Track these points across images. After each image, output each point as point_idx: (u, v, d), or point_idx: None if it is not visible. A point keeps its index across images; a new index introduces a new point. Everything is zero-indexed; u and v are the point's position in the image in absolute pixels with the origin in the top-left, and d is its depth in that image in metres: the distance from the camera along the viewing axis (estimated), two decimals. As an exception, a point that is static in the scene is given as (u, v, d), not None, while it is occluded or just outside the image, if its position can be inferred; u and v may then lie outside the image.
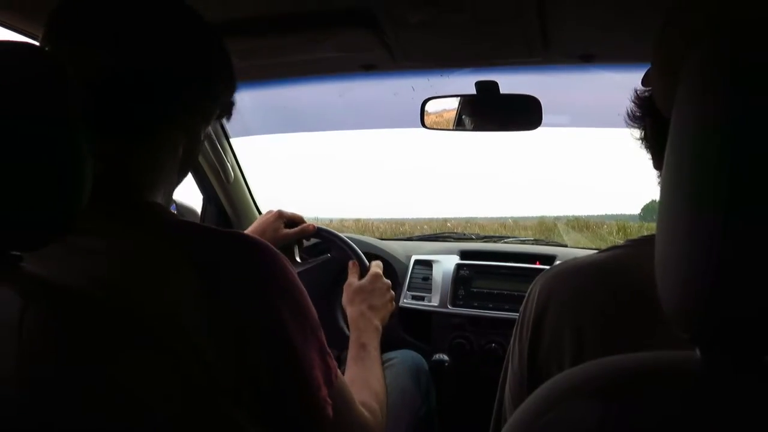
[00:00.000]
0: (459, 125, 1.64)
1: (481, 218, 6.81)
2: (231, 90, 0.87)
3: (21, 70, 0.59)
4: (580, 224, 6.90)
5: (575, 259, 0.85)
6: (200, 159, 1.80)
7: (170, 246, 0.67)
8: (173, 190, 0.85)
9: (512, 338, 0.89)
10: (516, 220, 7.14)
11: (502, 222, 7.04)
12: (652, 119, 0.78)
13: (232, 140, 1.91)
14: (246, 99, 1.84)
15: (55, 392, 0.57)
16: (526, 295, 0.87)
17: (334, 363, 0.78)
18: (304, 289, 0.76)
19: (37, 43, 0.68)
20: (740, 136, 0.36)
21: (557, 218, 7.23)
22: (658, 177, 0.77)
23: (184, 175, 0.87)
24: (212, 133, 1.77)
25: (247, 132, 1.96)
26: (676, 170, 0.42)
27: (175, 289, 0.64)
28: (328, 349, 0.77)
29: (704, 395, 0.40)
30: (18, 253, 0.63)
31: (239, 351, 0.65)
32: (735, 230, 0.36)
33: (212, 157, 1.81)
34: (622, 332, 0.73)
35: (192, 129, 0.82)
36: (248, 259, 0.71)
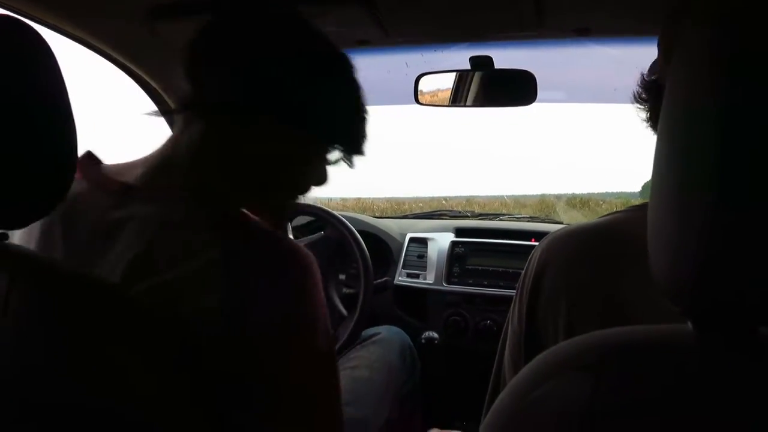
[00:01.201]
0: (454, 101, 1.63)
1: (481, 197, 6.81)
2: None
3: (9, 45, 0.58)
4: (581, 202, 6.90)
5: (577, 224, 0.85)
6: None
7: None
8: None
9: (512, 301, 0.89)
10: (516, 199, 7.14)
11: (501, 201, 7.05)
12: (656, 103, 0.78)
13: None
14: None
15: (40, 367, 0.57)
16: (528, 259, 0.87)
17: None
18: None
19: (19, 17, 0.66)
20: (731, 113, 0.36)
21: (558, 196, 7.23)
22: None
23: None
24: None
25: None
26: (668, 146, 0.41)
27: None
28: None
29: (696, 369, 0.40)
30: (3, 231, 0.63)
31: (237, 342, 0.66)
32: (727, 204, 0.36)
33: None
34: (618, 295, 0.72)
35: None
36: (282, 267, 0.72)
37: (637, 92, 0.83)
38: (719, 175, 0.36)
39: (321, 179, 0.89)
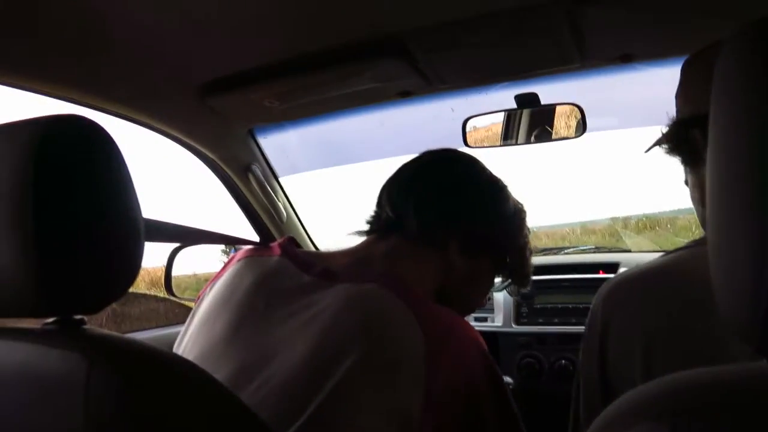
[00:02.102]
0: (505, 140, 1.62)
1: (546, 226, 6.63)
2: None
3: (85, 144, 0.62)
4: (651, 223, 6.65)
5: (638, 266, 0.83)
6: (252, 201, 1.84)
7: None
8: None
9: (581, 351, 0.86)
10: (583, 225, 6.95)
11: (569, 228, 6.88)
12: (701, 131, 0.77)
13: (281, 179, 1.95)
14: (291, 137, 1.88)
15: None
16: (591, 306, 0.85)
17: None
18: None
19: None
20: None
21: (626, 219, 7.00)
22: None
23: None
24: (261, 175, 1.80)
25: (295, 170, 1.99)
26: (719, 176, 0.40)
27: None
28: None
29: None
30: (81, 317, 0.65)
31: None
32: None
33: (263, 198, 1.85)
34: (691, 337, 0.70)
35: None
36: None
37: (666, 148, 0.85)
38: None
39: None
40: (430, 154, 1.03)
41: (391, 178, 1.01)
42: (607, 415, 0.46)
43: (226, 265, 0.96)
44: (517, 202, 1.05)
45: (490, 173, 1.02)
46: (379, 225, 0.97)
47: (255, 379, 0.75)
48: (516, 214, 1.03)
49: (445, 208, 0.95)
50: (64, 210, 0.59)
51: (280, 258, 0.91)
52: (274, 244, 0.96)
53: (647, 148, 0.91)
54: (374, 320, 0.76)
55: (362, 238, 0.97)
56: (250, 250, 0.98)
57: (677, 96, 0.86)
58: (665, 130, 0.86)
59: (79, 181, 0.60)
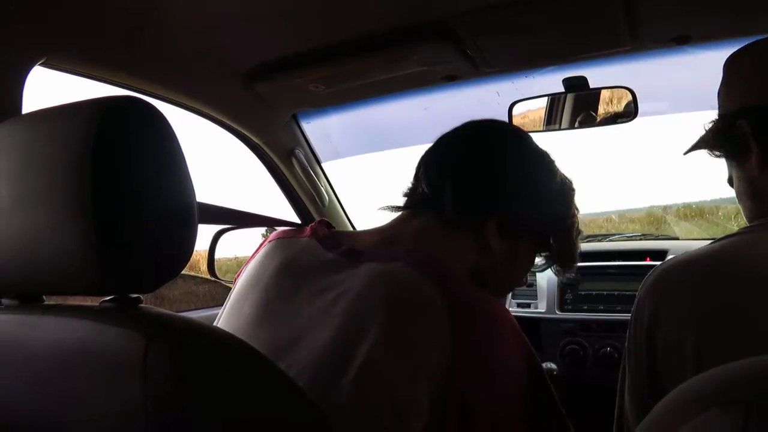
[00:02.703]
0: (548, 125, 1.59)
1: (585, 215, 6.52)
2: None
3: (142, 126, 0.63)
4: (693, 212, 6.47)
5: (686, 252, 0.82)
6: (295, 185, 1.86)
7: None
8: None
9: (627, 341, 0.85)
10: (622, 214, 6.80)
11: (607, 217, 6.75)
12: (748, 121, 0.78)
13: (324, 164, 1.96)
14: (334, 122, 1.88)
15: (179, 425, 0.59)
16: (637, 294, 0.83)
17: None
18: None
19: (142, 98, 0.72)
20: None
21: (666, 207, 6.83)
22: None
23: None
24: (304, 159, 1.81)
25: (337, 155, 2.00)
26: None
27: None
28: None
29: None
30: (137, 296, 0.67)
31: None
32: None
33: (306, 182, 1.86)
34: (746, 323, 0.68)
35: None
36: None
37: (711, 145, 0.86)
38: None
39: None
40: (473, 126, 0.96)
41: (430, 149, 0.95)
42: (668, 403, 0.44)
43: (259, 246, 0.96)
44: (565, 177, 0.98)
45: (536, 146, 0.95)
46: (414, 200, 0.92)
47: (283, 362, 0.74)
48: (563, 190, 0.96)
49: (485, 187, 0.88)
50: (123, 190, 0.60)
51: (308, 239, 0.89)
52: (308, 227, 0.94)
53: (687, 149, 0.90)
54: (396, 297, 0.74)
55: (396, 214, 0.93)
56: (282, 231, 0.96)
57: (719, 94, 0.87)
58: (704, 132, 0.87)
59: (137, 161, 0.61)
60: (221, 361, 0.61)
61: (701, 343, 0.71)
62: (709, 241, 0.82)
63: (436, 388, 0.68)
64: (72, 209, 0.59)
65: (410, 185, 0.95)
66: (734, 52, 0.85)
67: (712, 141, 0.85)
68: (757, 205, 0.82)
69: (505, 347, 0.75)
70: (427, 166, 0.93)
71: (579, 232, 1.00)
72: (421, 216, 0.89)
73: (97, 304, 0.67)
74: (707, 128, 0.86)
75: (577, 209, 1.00)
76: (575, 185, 0.99)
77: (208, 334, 0.63)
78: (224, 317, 0.90)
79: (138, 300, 0.67)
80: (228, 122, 1.56)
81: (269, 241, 0.94)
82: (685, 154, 0.91)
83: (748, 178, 0.83)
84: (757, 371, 0.40)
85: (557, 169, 0.96)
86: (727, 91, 0.85)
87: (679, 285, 0.78)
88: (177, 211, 0.65)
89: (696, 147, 0.88)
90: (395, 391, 0.68)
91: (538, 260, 1.03)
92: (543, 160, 0.95)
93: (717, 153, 0.87)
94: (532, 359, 0.78)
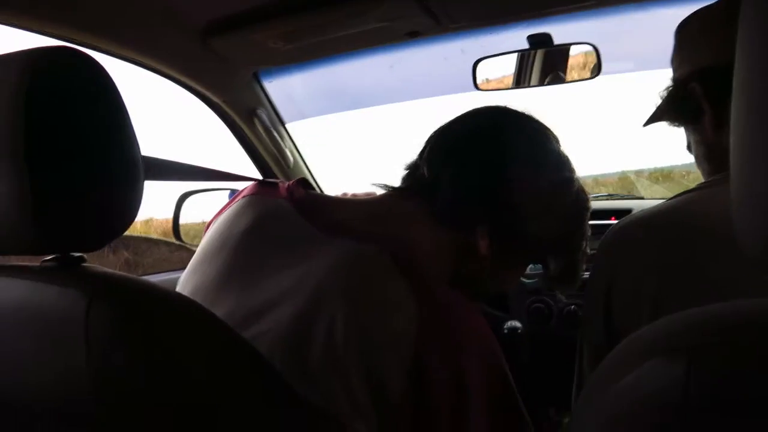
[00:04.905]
0: (518, 83, 1.58)
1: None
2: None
3: (78, 77, 0.60)
4: (663, 175, 6.58)
5: (643, 210, 0.83)
6: (259, 147, 1.82)
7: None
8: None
9: (586, 299, 0.85)
10: (595, 178, 6.86)
11: (582, 181, 6.80)
12: (700, 83, 0.79)
13: (288, 125, 1.92)
14: (297, 82, 1.84)
15: (124, 385, 0.58)
16: (595, 253, 0.84)
17: None
18: None
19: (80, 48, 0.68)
20: None
21: (639, 172, 6.91)
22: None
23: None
24: (267, 120, 1.78)
25: (302, 115, 1.96)
26: (748, 111, 0.37)
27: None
28: None
29: None
30: (80, 255, 0.65)
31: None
32: None
33: (269, 143, 1.83)
34: (701, 276, 0.69)
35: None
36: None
37: (668, 113, 0.87)
38: None
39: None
40: (492, 114, 0.88)
41: (441, 129, 0.87)
42: (617, 353, 0.45)
43: (230, 201, 0.90)
44: (582, 191, 0.87)
45: (560, 154, 0.86)
46: (411, 180, 0.86)
47: (247, 331, 0.71)
48: (576, 208, 0.86)
49: (487, 190, 0.80)
50: (59, 145, 0.58)
51: (284, 201, 0.83)
52: (283, 185, 0.88)
53: (646, 121, 0.90)
54: (366, 288, 0.69)
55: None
56: (254, 186, 0.89)
57: (672, 61, 0.87)
58: (660, 101, 0.88)
59: (72, 114, 0.59)
60: (164, 317, 0.60)
61: (658, 295, 0.72)
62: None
63: (387, 389, 0.65)
64: (6, 166, 0.56)
65: (412, 162, 0.88)
66: (682, 21, 0.86)
67: (668, 108, 0.86)
68: (714, 166, 0.83)
69: (473, 353, 0.70)
70: (432, 148, 0.86)
71: (585, 254, 0.90)
72: (415, 199, 0.83)
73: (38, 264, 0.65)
74: (662, 96, 0.86)
75: (588, 230, 0.90)
76: (590, 203, 0.89)
77: (154, 293, 0.61)
78: (187, 276, 0.86)
79: (81, 259, 0.64)
80: (184, 80, 1.51)
81: (241, 197, 0.88)
82: (645, 125, 0.91)
83: (704, 141, 0.84)
84: (699, 320, 0.40)
85: (576, 182, 0.87)
86: (678, 57, 0.86)
87: (635, 241, 0.79)
88: (120, 167, 0.62)
89: (654, 118, 0.89)
90: (348, 379, 0.65)
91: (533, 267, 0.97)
92: (563, 168, 0.86)
93: (675, 123, 0.88)
94: (500, 368, 0.73)
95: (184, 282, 0.86)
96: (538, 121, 0.88)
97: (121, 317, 0.57)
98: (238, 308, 0.75)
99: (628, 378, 0.40)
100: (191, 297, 0.80)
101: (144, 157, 0.67)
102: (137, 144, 0.64)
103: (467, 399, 0.67)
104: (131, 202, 0.64)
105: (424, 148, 0.87)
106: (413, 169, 0.87)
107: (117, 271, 0.65)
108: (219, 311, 0.75)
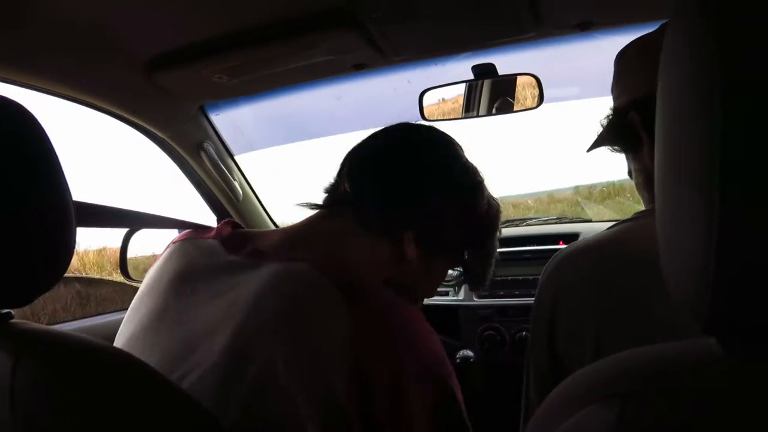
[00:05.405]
0: (467, 112, 1.60)
1: (513, 196, 6.62)
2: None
3: (4, 127, 0.58)
4: (615, 190, 6.74)
5: (582, 239, 0.85)
6: (206, 180, 1.79)
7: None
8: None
9: (531, 325, 0.86)
10: (550, 194, 6.99)
11: (535, 198, 6.91)
12: (638, 113, 0.80)
13: (237, 157, 1.90)
14: (245, 114, 1.83)
15: None
16: (538, 286, 0.84)
17: None
18: None
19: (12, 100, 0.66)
20: (732, 111, 0.32)
21: (591, 186, 7.06)
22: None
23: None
24: (214, 153, 1.75)
25: (251, 147, 1.94)
26: (667, 155, 0.38)
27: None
28: None
29: (726, 387, 0.36)
30: (7, 311, 0.62)
31: None
32: (732, 215, 0.33)
33: (218, 177, 1.80)
34: (640, 311, 0.70)
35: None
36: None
37: (608, 140, 0.88)
38: (721, 177, 0.33)
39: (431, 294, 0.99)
40: (404, 130, 0.93)
41: (357, 147, 0.92)
42: (555, 397, 0.45)
43: (165, 249, 0.92)
44: (492, 198, 0.95)
45: (467, 162, 0.92)
46: (334, 198, 0.89)
47: (179, 368, 0.70)
48: (489, 214, 0.93)
49: (409, 198, 0.85)
50: None
51: (212, 240, 0.85)
52: (214, 227, 0.91)
53: (589, 147, 0.92)
54: (296, 304, 0.69)
55: (313, 211, 0.89)
56: (186, 233, 0.92)
57: (612, 89, 0.89)
58: (601, 129, 0.89)
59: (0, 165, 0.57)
60: (95, 378, 0.57)
61: (599, 334, 0.73)
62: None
63: (335, 399, 0.63)
64: None
65: (332, 182, 0.91)
66: (621, 50, 0.87)
67: (609, 136, 0.87)
68: (653, 195, 0.85)
69: (415, 357, 0.69)
70: (351, 164, 0.90)
71: (496, 258, 0.98)
72: (339, 217, 0.85)
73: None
74: (603, 124, 0.88)
75: (500, 233, 0.98)
76: (501, 209, 0.97)
77: (81, 349, 0.59)
78: (125, 325, 0.86)
79: (8, 315, 0.62)
80: (128, 116, 1.48)
81: (173, 243, 0.90)
82: (588, 151, 0.93)
83: (643, 169, 0.85)
84: (634, 366, 0.41)
85: (485, 189, 0.93)
86: (618, 85, 0.87)
87: (574, 277, 0.80)
88: (50, 217, 0.60)
89: (596, 144, 0.90)
90: (292, 400, 0.64)
91: (451, 272, 1.02)
92: (473, 178, 0.91)
93: (616, 148, 0.89)
94: (444, 371, 0.72)
95: (122, 330, 0.86)
96: (443, 132, 0.94)
97: (47, 378, 0.55)
98: (174, 343, 0.75)
99: (570, 421, 0.41)
100: (129, 344, 0.79)
101: (77, 202, 0.65)
102: (68, 192, 0.63)
103: (408, 405, 0.66)
104: (63, 253, 0.63)
105: (342, 167, 0.91)
106: (334, 187, 0.90)
107: (47, 327, 0.63)
108: (155, 353, 0.75)
